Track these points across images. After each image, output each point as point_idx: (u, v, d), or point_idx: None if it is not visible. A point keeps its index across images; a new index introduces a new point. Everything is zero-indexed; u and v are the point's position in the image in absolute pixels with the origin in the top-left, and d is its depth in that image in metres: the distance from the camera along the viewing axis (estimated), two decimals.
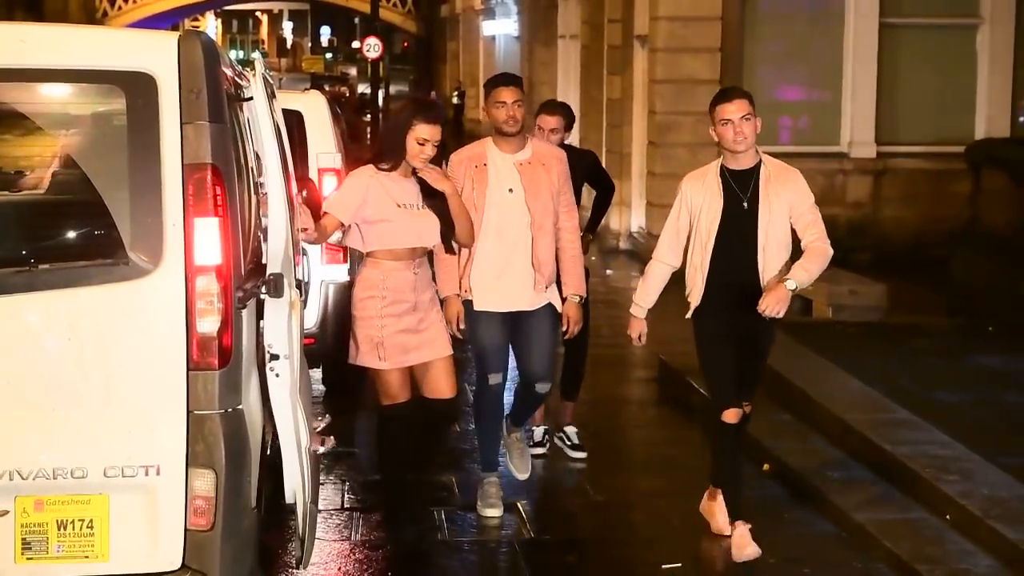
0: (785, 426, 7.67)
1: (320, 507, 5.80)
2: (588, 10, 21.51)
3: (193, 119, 4.32)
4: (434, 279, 6.39)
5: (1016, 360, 9.61)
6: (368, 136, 25.39)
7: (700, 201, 5.94)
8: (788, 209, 5.88)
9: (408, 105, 6.20)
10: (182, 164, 4.29)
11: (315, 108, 9.36)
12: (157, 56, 4.40)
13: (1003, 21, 16.21)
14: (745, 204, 5.87)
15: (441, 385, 6.07)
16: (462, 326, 6.44)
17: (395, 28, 40.33)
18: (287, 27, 69.02)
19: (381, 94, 35.71)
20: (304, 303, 5.55)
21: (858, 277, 11.15)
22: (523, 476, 6.99)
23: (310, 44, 60.49)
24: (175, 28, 43.67)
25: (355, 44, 46.76)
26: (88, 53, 4.66)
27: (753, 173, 5.90)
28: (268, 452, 5.03)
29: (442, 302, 6.44)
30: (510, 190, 6.48)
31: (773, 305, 5.64)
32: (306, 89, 13.21)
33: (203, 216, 4.29)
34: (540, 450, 7.88)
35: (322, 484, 6.20)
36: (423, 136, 5.84)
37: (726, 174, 5.91)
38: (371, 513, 7.14)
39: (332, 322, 8.75)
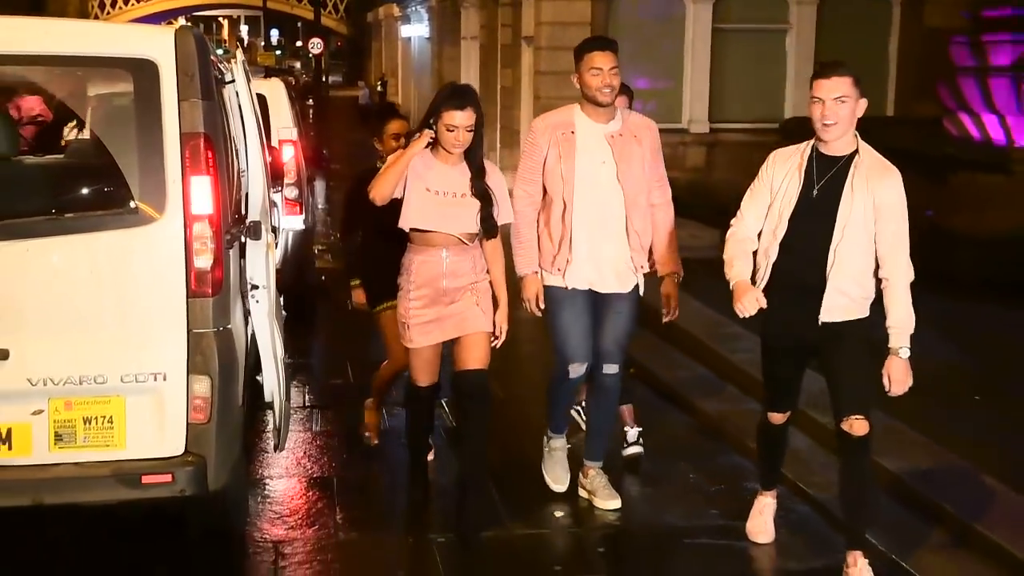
0: (652, 344, 7.60)
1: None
2: (485, 17, 21.58)
3: (188, 97, 4.24)
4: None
5: None
6: (312, 115, 25.19)
7: (782, 179, 4.25)
8: (875, 211, 4.09)
9: (440, 91, 4.83)
10: (180, 133, 4.22)
11: (276, 92, 9.21)
12: (158, 46, 4.31)
13: (806, 27, 16.73)
14: (816, 193, 4.13)
15: (469, 356, 4.73)
16: (542, 305, 4.97)
17: (331, 31, 40.17)
18: (244, 29, 67.97)
19: (323, 81, 36.15)
20: (276, 245, 5.51)
21: (698, 224, 11.28)
22: (614, 505, 5.20)
23: (263, 43, 59.27)
24: None
25: (298, 43, 46.11)
26: (101, 43, 4.58)
27: (842, 161, 4.14)
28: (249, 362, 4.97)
29: (519, 281, 5.05)
30: (603, 162, 4.87)
31: (898, 389, 4.08)
32: (266, 76, 12.93)
33: (197, 175, 4.23)
34: (636, 449, 5.81)
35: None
36: (453, 123, 4.57)
37: (814, 157, 4.19)
38: (327, 410, 7.12)
39: (291, 260, 8.69)
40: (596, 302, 4.93)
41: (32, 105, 5.40)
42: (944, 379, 6.42)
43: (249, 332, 4.94)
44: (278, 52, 63.17)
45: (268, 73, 18.85)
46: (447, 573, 4.82)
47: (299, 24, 50.02)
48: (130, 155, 4.29)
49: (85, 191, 4.53)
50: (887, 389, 4.05)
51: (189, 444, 4.25)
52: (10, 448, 4.15)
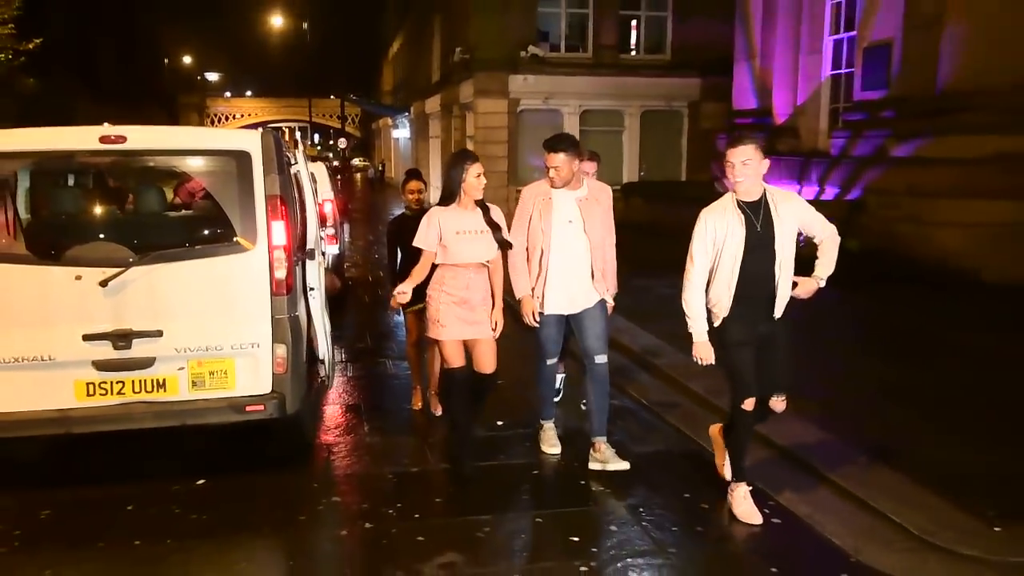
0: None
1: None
2: (444, 124, 24.50)
3: (269, 172, 4.86)
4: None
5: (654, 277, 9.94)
6: (340, 184, 28.58)
7: (724, 228, 4.43)
8: (797, 225, 4.47)
9: (455, 155, 5.17)
10: (265, 195, 4.85)
11: (320, 171, 10.63)
12: (251, 142, 4.95)
13: (634, 128, 21.12)
14: (759, 228, 4.38)
15: (484, 362, 5.10)
16: (537, 318, 5.32)
17: (350, 134, 48.39)
18: (298, 133, 74.20)
19: (347, 164, 44.73)
20: (320, 264, 5.72)
21: None
22: (624, 466, 5.36)
23: (309, 142, 69.60)
24: None
25: (331, 142, 52.78)
26: (219, 141, 5.19)
27: (762, 202, 4.41)
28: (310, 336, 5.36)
29: (515, 302, 5.45)
30: (570, 221, 5.25)
31: (804, 295, 4.52)
32: (313, 161, 15.06)
33: (275, 220, 4.84)
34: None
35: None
36: (478, 171, 5.00)
37: (741, 206, 4.42)
38: (355, 363, 8.03)
39: (331, 271, 9.09)
40: (570, 318, 5.37)
41: (194, 186, 5.80)
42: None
43: (307, 316, 5.30)
44: (318, 147, 77.48)
45: (314, 159, 21.59)
46: (435, 460, 5.50)
47: (331, 131, 59.92)
48: (234, 209, 4.89)
49: (207, 231, 5.06)
50: (797, 293, 4.48)
51: (274, 386, 4.87)
52: (165, 390, 4.83)
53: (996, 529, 4.26)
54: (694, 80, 20.39)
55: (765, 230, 4.39)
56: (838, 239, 4.55)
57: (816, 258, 4.59)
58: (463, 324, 5.06)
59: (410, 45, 32.01)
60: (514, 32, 19.72)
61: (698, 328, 4.54)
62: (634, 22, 21.16)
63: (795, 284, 4.50)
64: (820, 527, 4.53)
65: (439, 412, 6.32)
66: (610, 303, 5.48)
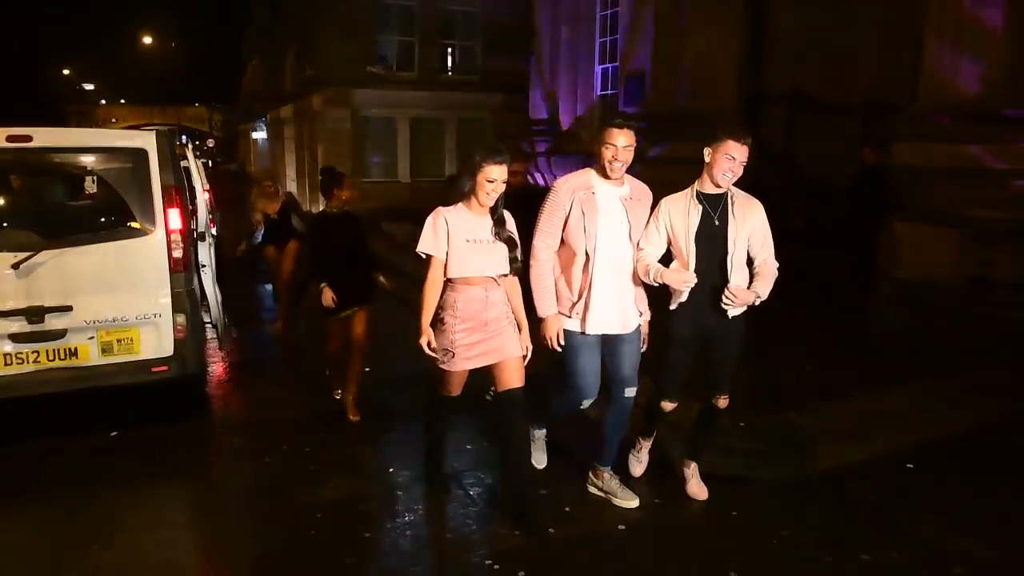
0: None
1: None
2: (296, 128, 22.92)
3: (164, 167, 4.56)
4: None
5: None
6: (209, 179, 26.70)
7: (680, 217, 3.46)
8: (750, 230, 3.42)
9: (477, 150, 3.42)
10: (162, 185, 4.55)
11: (197, 165, 9.54)
12: (147, 141, 4.62)
13: (451, 135, 20.53)
14: (716, 222, 3.41)
15: (511, 377, 3.42)
16: (562, 342, 3.54)
17: (216, 136, 43.88)
18: (183, 137, 66.96)
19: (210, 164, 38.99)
20: (210, 244, 5.55)
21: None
22: (634, 503, 3.76)
23: (178, 142, 62.83)
24: None
25: (196, 142, 48.68)
26: (118, 140, 4.79)
27: (724, 197, 3.42)
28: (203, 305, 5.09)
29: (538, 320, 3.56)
30: (620, 222, 3.52)
31: (737, 301, 3.39)
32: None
33: (171, 208, 4.55)
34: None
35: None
36: (492, 176, 3.36)
37: (702, 197, 3.45)
38: (241, 327, 7.13)
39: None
40: (606, 341, 3.61)
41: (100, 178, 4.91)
42: None
43: (200, 288, 5.08)
44: (187, 147, 66.57)
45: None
46: (322, 404, 5.02)
47: (197, 132, 55.55)
48: (134, 197, 4.56)
49: (111, 218, 4.64)
50: (730, 299, 3.37)
51: (176, 349, 4.61)
52: (77, 358, 4.46)
53: (740, 424, 4.34)
54: (498, 96, 20.71)
55: (720, 224, 3.42)
56: (776, 271, 3.45)
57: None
58: (481, 355, 3.43)
59: (266, 61, 30.30)
60: (357, 54, 19.28)
61: (669, 270, 3.47)
62: (451, 49, 21.22)
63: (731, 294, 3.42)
64: None
65: (356, 419, 4.86)
66: (645, 328, 3.69)
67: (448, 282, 3.40)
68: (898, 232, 7.29)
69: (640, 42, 14.17)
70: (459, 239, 3.36)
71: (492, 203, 3.40)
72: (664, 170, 13.15)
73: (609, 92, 16.45)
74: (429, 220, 3.38)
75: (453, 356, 3.40)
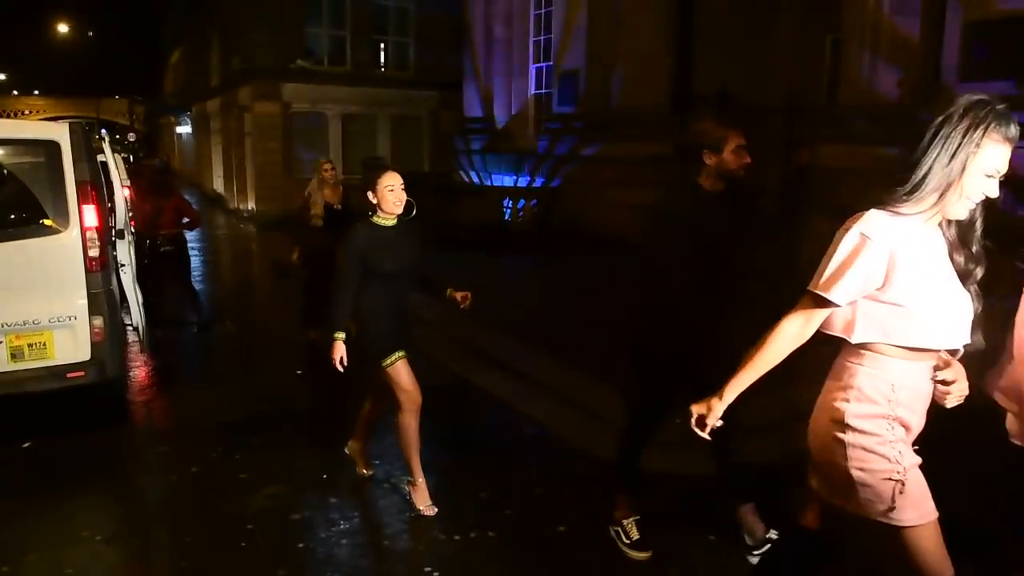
0: None
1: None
2: (223, 121, 22.05)
3: (78, 161, 4.35)
4: None
5: None
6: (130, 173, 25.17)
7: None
8: None
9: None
10: (76, 181, 4.33)
11: (118, 162, 9.09)
12: (60, 133, 4.42)
13: (385, 132, 19.88)
14: None
15: None
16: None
17: (137, 130, 41.85)
18: (103, 131, 63.23)
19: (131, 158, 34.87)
20: (130, 243, 5.49)
21: None
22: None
23: (96, 136, 58.44)
24: None
25: (117, 136, 46.61)
26: (27, 131, 4.67)
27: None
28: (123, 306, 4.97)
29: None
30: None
31: None
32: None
33: (86, 204, 4.35)
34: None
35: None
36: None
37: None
38: (167, 329, 6.91)
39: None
40: None
41: None
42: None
43: (119, 289, 4.97)
44: (104, 140, 62.81)
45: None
46: (249, 407, 4.90)
47: (117, 126, 53.34)
48: (47, 194, 4.33)
49: (22, 216, 4.43)
50: None
51: (94, 353, 4.40)
52: None
53: (677, 421, 4.42)
54: (433, 93, 20.39)
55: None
56: None
57: None
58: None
59: (189, 52, 29.10)
60: (285, 46, 18.67)
61: None
62: (384, 44, 20.84)
63: None
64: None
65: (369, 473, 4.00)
66: None
67: (871, 350, 1.93)
68: (817, 230, 7.61)
69: (574, 41, 14.22)
70: (910, 275, 1.89)
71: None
72: (599, 170, 13.27)
73: (544, 91, 16.49)
74: (846, 249, 1.91)
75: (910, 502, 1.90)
